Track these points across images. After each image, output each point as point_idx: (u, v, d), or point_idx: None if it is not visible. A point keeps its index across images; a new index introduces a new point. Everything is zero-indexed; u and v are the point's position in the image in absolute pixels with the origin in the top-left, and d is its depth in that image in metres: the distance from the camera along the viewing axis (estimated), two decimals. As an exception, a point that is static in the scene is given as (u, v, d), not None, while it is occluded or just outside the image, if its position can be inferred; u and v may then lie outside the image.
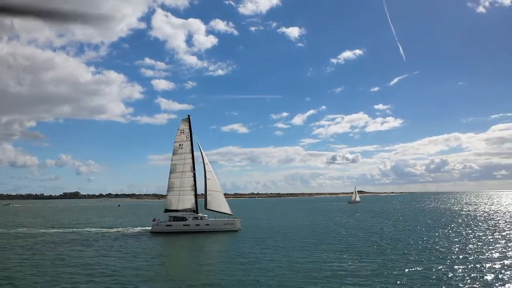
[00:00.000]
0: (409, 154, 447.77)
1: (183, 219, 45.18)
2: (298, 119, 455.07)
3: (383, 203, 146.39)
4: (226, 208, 46.65)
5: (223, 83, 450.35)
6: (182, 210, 46.59)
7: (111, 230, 49.36)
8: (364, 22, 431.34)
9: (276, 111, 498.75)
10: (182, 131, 48.58)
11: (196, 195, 47.16)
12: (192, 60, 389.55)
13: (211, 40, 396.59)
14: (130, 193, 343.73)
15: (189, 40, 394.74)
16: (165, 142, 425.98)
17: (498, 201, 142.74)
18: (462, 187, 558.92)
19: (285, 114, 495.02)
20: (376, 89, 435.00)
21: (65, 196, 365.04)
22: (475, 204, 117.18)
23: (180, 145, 48.41)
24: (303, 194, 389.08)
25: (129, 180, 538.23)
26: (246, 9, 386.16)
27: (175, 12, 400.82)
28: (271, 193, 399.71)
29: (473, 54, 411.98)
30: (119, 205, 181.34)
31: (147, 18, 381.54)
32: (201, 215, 46.46)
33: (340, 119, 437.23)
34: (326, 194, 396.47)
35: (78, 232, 48.85)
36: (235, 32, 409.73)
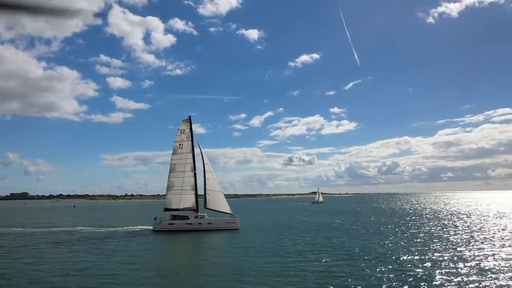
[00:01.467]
0: (362, 157, 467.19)
1: (185, 217, 46.01)
2: (256, 121, 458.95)
3: (343, 204, 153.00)
4: (226, 208, 48.02)
5: (181, 83, 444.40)
6: (182, 209, 47.36)
7: (111, 229, 49.08)
8: (321, 27, 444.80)
9: (234, 112, 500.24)
10: (183, 131, 49.38)
11: (196, 195, 48.05)
12: (149, 58, 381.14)
13: (170, 39, 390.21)
14: (83, 194, 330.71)
15: (146, 38, 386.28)
16: (120, 141, 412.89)
17: (447, 201, 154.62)
18: (412, 189, 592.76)
19: (243, 115, 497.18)
20: (331, 93, 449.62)
21: (13, 197, 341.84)
22: (428, 204, 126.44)
23: (180, 145, 49.17)
24: (261, 194, 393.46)
25: (81, 181, 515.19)
26: (205, 10, 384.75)
27: (133, 9, 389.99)
28: (229, 194, 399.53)
29: (422, 62, 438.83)
30: (74, 206, 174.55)
31: (103, 14, 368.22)
32: (201, 214, 47.51)
33: (297, 121, 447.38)
34: (283, 195, 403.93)
35: (75, 232, 48.03)
36: (194, 32, 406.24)
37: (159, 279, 21.22)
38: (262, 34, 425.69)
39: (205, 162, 48.59)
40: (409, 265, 23.26)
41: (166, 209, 47.97)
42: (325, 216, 72.44)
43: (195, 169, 48.38)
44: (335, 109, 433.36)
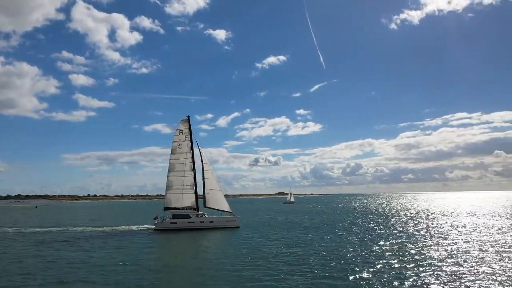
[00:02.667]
0: (327, 158, 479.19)
1: (187, 216, 46.89)
2: (222, 121, 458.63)
3: (311, 204, 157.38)
4: (225, 206, 49.27)
5: (147, 82, 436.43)
6: (182, 208, 48.17)
7: (112, 229, 49.14)
8: (288, 29, 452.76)
9: (201, 112, 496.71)
10: (181, 131, 50.11)
11: (196, 194, 48.96)
12: (114, 56, 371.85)
13: (136, 37, 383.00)
14: (43, 194, 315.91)
15: (111, 35, 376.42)
16: (82, 140, 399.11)
17: (408, 201, 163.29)
18: (374, 189, 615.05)
19: (209, 115, 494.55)
20: (297, 94, 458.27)
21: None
22: (392, 205, 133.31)
23: (178, 144, 49.89)
24: (227, 195, 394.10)
25: (40, 181, 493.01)
26: (172, 9, 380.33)
27: (98, 5, 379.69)
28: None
29: (384, 66, 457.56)
30: (36, 207, 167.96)
31: (66, 9, 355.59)
32: (201, 212, 48.54)
33: (264, 122, 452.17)
34: (250, 195, 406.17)
35: (73, 231, 47.58)
36: (161, 31, 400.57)
37: (174, 277, 22.01)
38: (229, 34, 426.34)
39: (204, 162, 49.58)
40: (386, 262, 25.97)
41: (166, 208, 48.57)
42: (307, 215, 75.16)
43: (194, 169, 49.29)
44: (301, 111, 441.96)
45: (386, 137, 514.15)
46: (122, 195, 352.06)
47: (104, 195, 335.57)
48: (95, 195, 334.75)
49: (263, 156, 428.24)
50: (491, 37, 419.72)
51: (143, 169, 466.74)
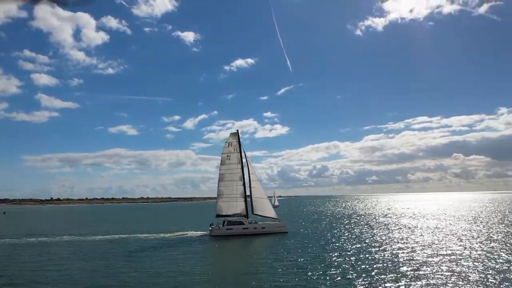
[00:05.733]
0: (294, 160, 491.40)
1: (241, 223, 50.63)
2: (189, 123, 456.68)
3: (292, 206, 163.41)
4: (272, 213, 53.41)
5: (113, 82, 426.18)
6: (233, 215, 51.87)
7: (170, 235, 51.88)
8: (256, 33, 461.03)
9: (168, 114, 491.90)
10: (230, 144, 53.82)
11: (246, 202, 52.77)
12: (79, 55, 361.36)
13: (102, 37, 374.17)
14: (3, 198, 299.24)
15: (76, 35, 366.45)
16: (44, 141, 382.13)
17: (372, 204, 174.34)
18: (340, 191, 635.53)
19: (177, 117, 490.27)
20: (265, 97, 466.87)
21: None
22: (364, 207, 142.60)
23: (227, 156, 53.56)
24: (197, 198, 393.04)
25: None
26: (140, 10, 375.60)
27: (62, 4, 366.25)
28: (162, 197, 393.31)
29: (350, 71, 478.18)
30: (4, 213, 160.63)
31: (29, 7, 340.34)
32: (252, 219, 52.42)
33: (231, 124, 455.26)
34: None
35: (121, 239, 49.60)
36: (128, 31, 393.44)
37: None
38: (198, 37, 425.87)
39: (250, 172, 53.52)
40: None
41: (218, 215, 52.16)
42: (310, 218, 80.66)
43: (244, 179, 53.10)
44: (269, 114, 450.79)
45: (351, 139, 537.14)
46: (86, 198, 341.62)
47: (68, 199, 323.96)
48: (58, 199, 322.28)
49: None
50: (450, 45, 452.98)
51: (108, 171, 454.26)
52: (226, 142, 54.01)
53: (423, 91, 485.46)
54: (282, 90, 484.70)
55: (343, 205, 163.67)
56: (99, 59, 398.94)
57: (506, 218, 70.75)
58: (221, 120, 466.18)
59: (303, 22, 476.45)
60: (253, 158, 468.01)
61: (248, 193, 53.16)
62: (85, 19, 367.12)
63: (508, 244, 36.45)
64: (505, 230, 48.91)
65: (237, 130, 54.45)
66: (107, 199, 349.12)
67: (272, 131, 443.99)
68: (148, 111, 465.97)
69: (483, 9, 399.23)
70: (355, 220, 73.04)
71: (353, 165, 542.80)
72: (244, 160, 53.57)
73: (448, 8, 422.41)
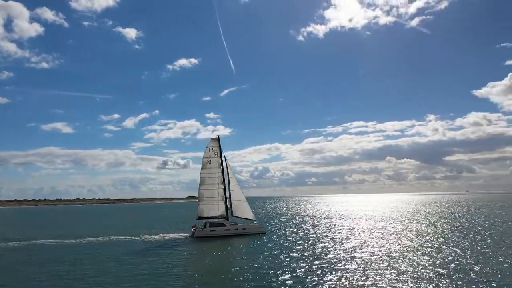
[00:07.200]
0: (236, 161, 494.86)
1: (223, 224, 52.95)
2: (129, 122, 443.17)
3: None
4: (250, 215, 56.33)
5: (48, 77, 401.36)
6: (214, 217, 54.11)
7: (152, 237, 52.61)
8: (200, 33, 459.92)
9: (106, 112, 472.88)
10: (211, 149, 55.92)
11: (226, 204, 55.13)
12: (10, 47, 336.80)
13: (36, 29, 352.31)
14: None
15: (8, 25, 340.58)
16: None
17: (313, 205, 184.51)
18: (280, 192, 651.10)
19: (116, 116, 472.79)
20: (208, 98, 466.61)
21: None
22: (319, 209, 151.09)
23: (208, 160, 55.66)
24: (137, 199, 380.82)
25: None
26: (78, 4, 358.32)
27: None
28: (99, 199, 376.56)
29: (291, 75, 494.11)
30: None
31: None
32: (233, 221, 54.92)
33: (173, 124, 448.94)
34: (160, 199, 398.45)
35: (110, 240, 49.70)
36: (66, 24, 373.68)
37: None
38: (140, 34, 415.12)
39: (230, 176, 56.06)
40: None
41: (199, 217, 54.08)
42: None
43: (224, 182, 55.48)
44: (211, 115, 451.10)
45: (292, 142, 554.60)
46: (16, 200, 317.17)
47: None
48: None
49: (172, 159, 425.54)
50: (384, 54, 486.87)
51: (40, 171, 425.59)
52: (207, 147, 56.01)
53: (359, 96, 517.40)
54: (225, 92, 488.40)
55: (292, 206, 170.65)
56: (33, 52, 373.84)
57: (435, 218, 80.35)
58: (162, 120, 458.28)
59: (247, 24, 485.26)
60: (195, 159, 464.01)
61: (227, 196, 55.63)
62: (18, 9, 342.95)
63: (437, 241, 43.07)
64: (433, 229, 56.57)
65: (218, 136, 56.80)
66: (40, 200, 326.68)
67: (215, 132, 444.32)
68: (85, 109, 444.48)
69: (414, 22, 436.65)
70: (311, 220, 78.41)
71: (293, 167, 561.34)
72: (224, 164, 56.00)
73: (383, 19, 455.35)
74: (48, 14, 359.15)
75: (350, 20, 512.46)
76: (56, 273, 29.58)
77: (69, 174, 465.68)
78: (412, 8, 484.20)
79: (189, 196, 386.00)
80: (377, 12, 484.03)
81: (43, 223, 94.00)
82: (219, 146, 56.14)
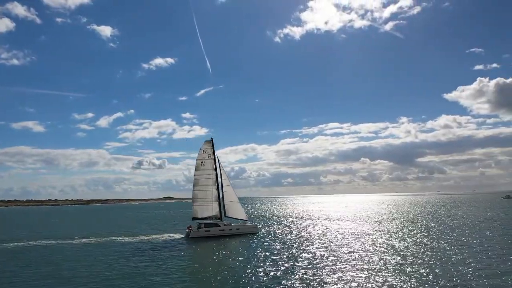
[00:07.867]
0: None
1: (216, 225, 54.58)
2: (103, 121, 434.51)
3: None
4: (243, 215, 58.22)
5: (18, 74, 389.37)
6: (208, 218, 55.68)
7: (147, 238, 53.65)
8: (176, 33, 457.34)
9: (80, 111, 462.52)
10: (204, 151, 57.42)
11: (219, 205, 56.76)
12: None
13: (7, 24, 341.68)
14: None
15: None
16: None
17: (290, 206, 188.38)
18: (256, 193, 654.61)
19: (90, 115, 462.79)
20: (184, 98, 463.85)
21: None
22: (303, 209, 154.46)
23: (202, 162, 57.15)
24: (112, 200, 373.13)
25: None
26: (52, 1, 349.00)
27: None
28: (72, 199, 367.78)
29: (268, 76, 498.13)
30: None
31: None
32: (227, 222, 56.60)
33: (148, 124, 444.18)
34: (136, 200, 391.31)
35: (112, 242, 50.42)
36: (38, 20, 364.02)
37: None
38: (115, 32, 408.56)
39: (223, 178, 57.75)
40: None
41: (193, 218, 55.56)
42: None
43: (217, 183, 57.12)
44: (187, 115, 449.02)
45: (268, 143, 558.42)
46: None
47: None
48: None
49: (147, 159, 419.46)
50: (359, 57, 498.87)
51: (9, 171, 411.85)
52: (200, 149, 57.45)
53: (334, 98, 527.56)
54: (202, 92, 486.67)
55: (268, 207, 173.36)
56: (3, 48, 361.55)
57: (411, 217, 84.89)
58: (137, 119, 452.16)
59: (224, 25, 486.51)
60: (171, 159, 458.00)
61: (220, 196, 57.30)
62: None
63: (413, 241, 46.60)
64: (411, 228, 60.43)
65: (211, 138, 58.36)
66: (9, 201, 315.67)
67: (191, 132, 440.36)
68: (58, 107, 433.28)
69: (388, 26, 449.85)
70: (295, 220, 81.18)
71: (269, 167, 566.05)
72: (217, 165, 57.65)
73: (358, 23, 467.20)
74: (19, 9, 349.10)
75: (326, 22, 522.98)
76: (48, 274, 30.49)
77: (41, 174, 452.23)
78: (386, 13, 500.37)
79: (165, 197, 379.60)
80: (353, 16, 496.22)
81: (21, 223, 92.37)
82: (213, 148, 57.75)
